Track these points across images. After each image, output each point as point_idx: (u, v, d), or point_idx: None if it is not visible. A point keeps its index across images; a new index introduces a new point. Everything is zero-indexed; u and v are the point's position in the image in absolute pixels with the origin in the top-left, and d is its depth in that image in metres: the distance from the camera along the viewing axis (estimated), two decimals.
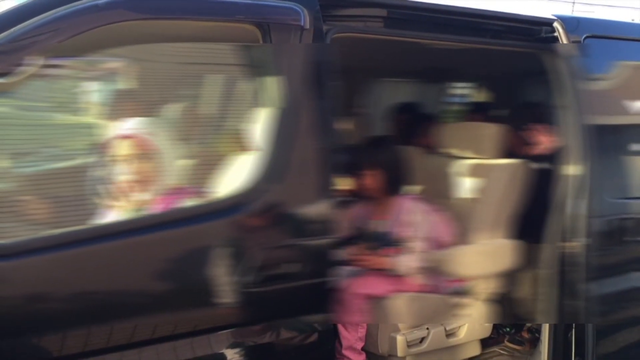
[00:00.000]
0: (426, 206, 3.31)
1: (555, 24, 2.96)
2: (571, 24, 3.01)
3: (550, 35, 2.96)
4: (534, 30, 2.97)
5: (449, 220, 3.34)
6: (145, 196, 2.41)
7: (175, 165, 2.45)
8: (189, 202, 2.37)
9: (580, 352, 2.94)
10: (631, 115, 3.26)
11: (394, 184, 3.30)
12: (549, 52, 2.95)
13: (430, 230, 3.25)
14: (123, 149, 2.38)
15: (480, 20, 2.86)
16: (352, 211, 3.37)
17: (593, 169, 2.87)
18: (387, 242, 3.24)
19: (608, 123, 3.05)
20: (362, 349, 3.09)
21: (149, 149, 2.37)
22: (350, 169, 3.28)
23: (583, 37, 3.01)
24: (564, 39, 2.94)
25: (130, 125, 2.42)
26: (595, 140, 2.88)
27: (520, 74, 4.32)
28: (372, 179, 3.27)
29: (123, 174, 2.41)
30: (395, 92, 4.92)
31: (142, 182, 2.40)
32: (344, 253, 3.15)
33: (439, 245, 3.26)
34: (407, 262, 3.15)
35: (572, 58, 2.92)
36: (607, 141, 2.98)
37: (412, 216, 3.25)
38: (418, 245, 3.20)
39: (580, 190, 2.87)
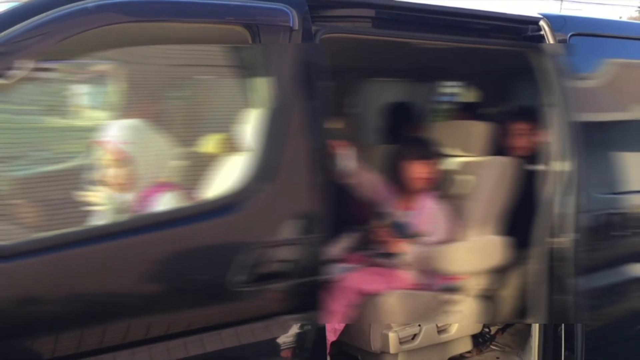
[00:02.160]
0: (443, 206, 3.39)
1: (541, 23, 2.99)
2: (557, 22, 3.03)
3: (536, 33, 2.99)
4: (520, 29, 3.00)
5: (455, 222, 3.39)
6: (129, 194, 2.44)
7: (159, 166, 2.47)
8: (169, 196, 2.38)
9: (570, 346, 2.97)
10: (617, 112, 3.29)
11: (439, 179, 3.42)
12: (535, 51, 2.98)
13: (441, 231, 3.32)
14: (102, 154, 2.41)
15: (466, 20, 2.88)
16: (383, 189, 3.47)
17: (580, 165, 2.90)
18: (404, 232, 3.33)
19: (595, 120, 3.08)
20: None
21: (125, 157, 2.40)
22: (408, 157, 3.39)
23: (569, 35, 3.04)
24: (550, 38, 2.97)
25: (112, 129, 2.44)
26: (582, 137, 2.91)
27: (508, 72, 4.34)
28: (427, 169, 3.38)
29: (107, 176, 2.43)
30: (385, 92, 4.94)
31: (123, 184, 2.43)
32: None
33: (436, 244, 3.30)
34: (412, 252, 3.21)
35: (558, 56, 2.95)
36: (594, 138, 3.00)
37: (432, 215, 3.34)
38: (430, 242, 3.26)
39: (568, 186, 2.89)
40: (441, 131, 3.72)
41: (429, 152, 3.43)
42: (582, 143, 2.90)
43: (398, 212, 3.43)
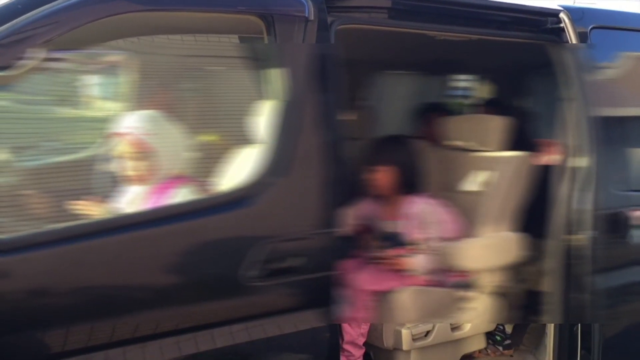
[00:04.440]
0: (436, 204, 3.29)
1: (562, 15, 2.93)
2: (577, 14, 2.97)
3: (556, 26, 2.93)
4: (540, 22, 2.94)
5: (457, 216, 3.32)
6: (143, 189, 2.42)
7: (177, 157, 2.45)
8: (186, 191, 2.36)
9: (586, 346, 2.92)
10: (637, 106, 3.22)
11: (407, 183, 3.28)
12: (554, 44, 2.92)
13: (441, 229, 3.24)
14: (121, 146, 2.38)
15: (485, 12, 2.83)
16: (362, 209, 3.35)
17: (599, 161, 2.84)
18: (398, 242, 3.21)
19: (614, 115, 3.01)
20: (364, 343, 3.07)
21: (147, 149, 2.37)
22: (364, 164, 3.26)
23: (589, 28, 2.97)
24: (570, 30, 2.91)
25: (130, 121, 2.42)
26: (602, 132, 2.85)
27: (526, 66, 4.28)
28: (384, 176, 3.24)
29: (121, 169, 2.41)
30: (400, 85, 4.89)
31: (142, 177, 2.40)
32: (357, 252, 3.16)
33: (446, 239, 3.24)
34: (420, 262, 3.14)
35: (578, 49, 2.89)
36: (614, 133, 2.95)
37: (424, 217, 3.24)
38: (430, 246, 3.18)
39: (586, 182, 2.83)
40: (457, 125, 3.67)
41: (394, 158, 3.25)
42: (601, 138, 2.84)
43: (386, 222, 3.30)
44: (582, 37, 2.94)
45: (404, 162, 3.27)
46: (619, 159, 3.03)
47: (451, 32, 2.82)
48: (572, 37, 2.90)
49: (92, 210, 2.30)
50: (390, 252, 3.17)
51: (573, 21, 2.91)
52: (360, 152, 3.40)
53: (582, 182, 2.84)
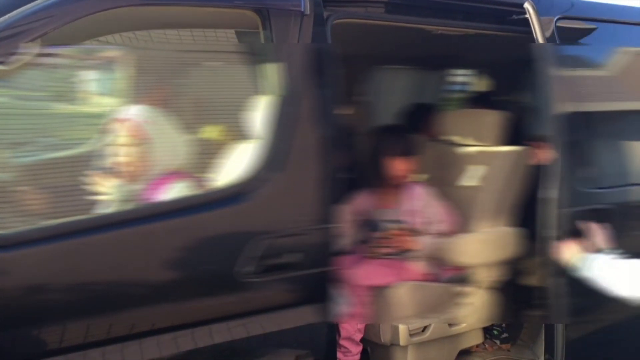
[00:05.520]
0: (432, 198, 3.32)
1: (526, 5, 2.79)
2: (543, 4, 2.85)
3: (520, 17, 2.80)
4: (504, 12, 2.83)
5: (453, 211, 3.33)
6: (140, 181, 2.41)
7: (173, 152, 2.43)
8: (182, 186, 2.35)
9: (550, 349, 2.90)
10: (607, 102, 3.10)
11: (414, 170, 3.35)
12: (520, 37, 2.81)
13: (438, 218, 3.27)
14: (119, 133, 2.36)
15: (447, 2, 2.75)
16: (359, 203, 3.36)
17: (565, 158, 2.73)
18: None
19: (582, 110, 2.89)
20: (362, 339, 3.07)
21: (144, 136, 2.35)
22: (380, 155, 3.30)
23: (555, 19, 2.88)
24: (534, 21, 2.78)
25: (129, 112, 2.40)
26: (569, 128, 2.74)
27: (507, 60, 4.19)
28: (405, 165, 3.29)
29: (119, 157, 2.39)
30: (397, 80, 4.88)
31: (137, 167, 2.39)
32: (354, 247, 3.17)
33: (443, 234, 3.25)
34: (424, 243, 3.17)
35: (542, 42, 2.78)
36: (581, 129, 2.84)
37: (422, 204, 3.27)
38: (429, 232, 3.21)
39: (552, 179, 2.74)
40: (454, 120, 3.66)
41: (409, 147, 3.33)
42: (568, 135, 2.74)
43: (383, 210, 3.34)
44: (548, 28, 2.83)
45: (414, 150, 3.35)
46: (587, 156, 2.91)
47: (431, 25, 2.78)
48: (536, 28, 2.78)
49: (103, 184, 2.28)
50: (393, 232, 3.21)
51: (537, 12, 2.78)
52: (373, 142, 3.44)
53: (549, 179, 2.76)
